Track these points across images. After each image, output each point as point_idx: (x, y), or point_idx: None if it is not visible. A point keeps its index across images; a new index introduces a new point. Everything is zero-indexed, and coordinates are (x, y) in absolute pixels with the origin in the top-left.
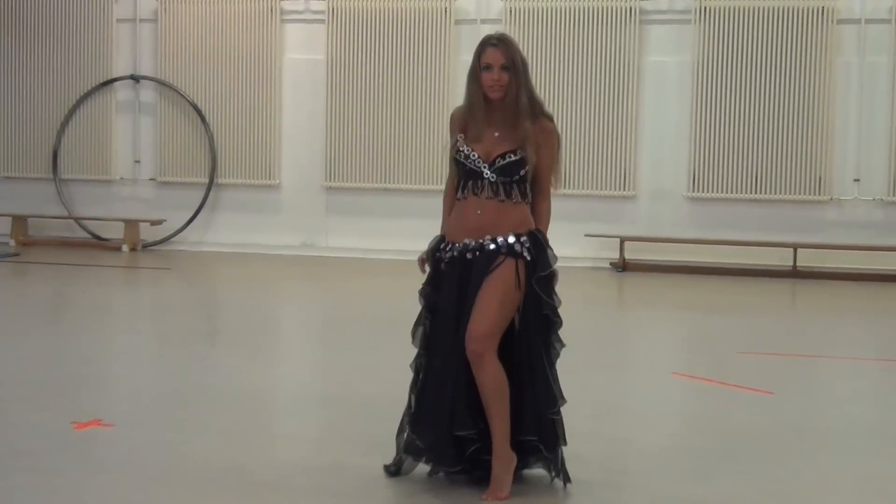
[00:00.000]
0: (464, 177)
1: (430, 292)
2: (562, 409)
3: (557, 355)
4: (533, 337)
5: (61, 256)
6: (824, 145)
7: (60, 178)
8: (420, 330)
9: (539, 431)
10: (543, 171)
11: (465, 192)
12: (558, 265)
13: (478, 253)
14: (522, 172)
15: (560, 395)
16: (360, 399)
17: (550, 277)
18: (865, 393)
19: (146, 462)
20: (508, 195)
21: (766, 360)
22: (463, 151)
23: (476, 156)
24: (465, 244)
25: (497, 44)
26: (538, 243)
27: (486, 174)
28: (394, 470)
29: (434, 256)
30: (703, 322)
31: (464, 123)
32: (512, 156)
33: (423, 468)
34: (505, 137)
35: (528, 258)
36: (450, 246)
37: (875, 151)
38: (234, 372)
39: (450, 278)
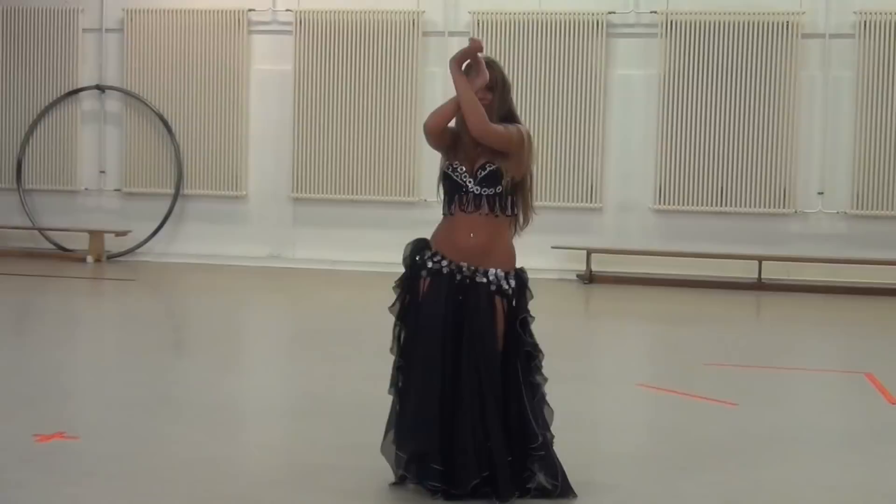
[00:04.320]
0: (450, 191)
1: (406, 296)
2: (551, 443)
3: (541, 390)
4: (512, 370)
5: (25, 267)
6: (789, 158)
7: (24, 189)
8: (395, 335)
9: (491, 468)
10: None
11: (452, 207)
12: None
13: (468, 281)
14: (503, 185)
15: (545, 428)
16: (328, 409)
17: (529, 317)
18: (829, 404)
19: (111, 474)
20: (492, 208)
21: (731, 372)
22: (452, 165)
23: (463, 169)
24: (458, 266)
25: None
26: (521, 284)
27: (471, 187)
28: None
29: (414, 259)
30: (669, 333)
31: (453, 139)
32: (489, 166)
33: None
34: (482, 152)
35: (511, 295)
36: (438, 257)
37: (839, 165)
38: (201, 383)
39: (436, 293)
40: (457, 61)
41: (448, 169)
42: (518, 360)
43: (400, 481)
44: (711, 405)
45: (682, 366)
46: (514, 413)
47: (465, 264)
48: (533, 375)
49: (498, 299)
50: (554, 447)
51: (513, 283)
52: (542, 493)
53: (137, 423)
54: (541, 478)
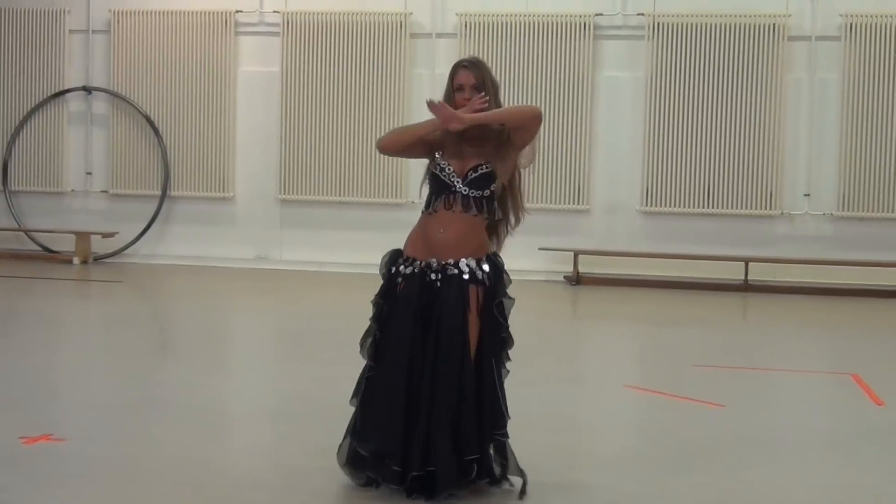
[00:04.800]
0: (436, 190)
1: (383, 304)
2: (508, 430)
3: (507, 373)
4: (487, 358)
5: (11, 269)
6: (775, 160)
7: (11, 190)
8: (370, 341)
9: (482, 449)
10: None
11: (436, 205)
12: (512, 278)
13: (440, 275)
14: (492, 188)
15: (506, 414)
16: (315, 412)
17: (508, 302)
18: (815, 405)
19: (98, 477)
20: (480, 209)
21: (718, 373)
22: (440, 164)
23: (451, 169)
24: (428, 263)
25: (469, 66)
26: (496, 268)
27: (458, 187)
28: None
29: (390, 270)
30: (656, 335)
31: (441, 140)
32: (483, 168)
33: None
34: (477, 153)
35: (487, 284)
36: (409, 262)
37: (825, 167)
38: (187, 385)
39: (408, 295)
40: (451, 113)
41: (436, 169)
42: (493, 346)
43: (367, 484)
44: (698, 406)
45: (669, 367)
46: (487, 403)
47: (434, 260)
48: (504, 363)
49: (473, 288)
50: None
51: (486, 267)
52: (499, 475)
53: (124, 425)
54: (494, 459)
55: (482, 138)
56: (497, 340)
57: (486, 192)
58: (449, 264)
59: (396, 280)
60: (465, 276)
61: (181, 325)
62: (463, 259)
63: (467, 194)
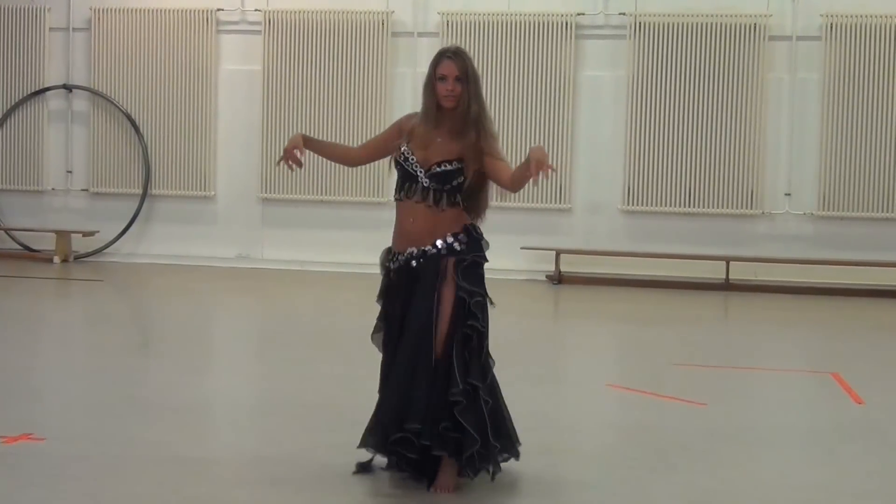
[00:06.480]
0: (401, 178)
1: (384, 302)
2: (484, 396)
3: (478, 333)
4: (458, 325)
5: None
6: (756, 160)
7: None
8: (379, 337)
9: (424, 420)
10: (495, 157)
11: (401, 193)
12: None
13: (422, 260)
14: (456, 182)
15: (478, 378)
16: (296, 409)
17: (474, 264)
18: (796, 404)
19: (78, 476)
20: (437, 202)
21: (700, 372)
22: (403, 153)
23: (414, 159)
24: (409, 253)
25: (453, 56)
26: (472, 236)
27: (421, 178)
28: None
29: (386, 267)
30: (638, 334)
31: (412, 128)
32: (448, 165)
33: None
34: (448, 145)
35: (459, 250)
36: (395, 256)
37: (806, 166)
38: (168, 384)
39: (398, 287)
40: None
41: (400, 158)
42: (466, 312)
43: (361, 470)
44: (680, 405)
45: (651, 366)
46: (443, 367)
47: (413, 249)
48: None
49: (449, 260)
50: (514, 436)
51: (463, 237)
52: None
53: (104, 424)
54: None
55: (457, 132)
56: (470, 304)
57: (448, 187)
58: (427, 248)
59: (390, 276)
60: (444, 252)
61: (162, 325)
62: (439, 239)
63: (428, 187)
